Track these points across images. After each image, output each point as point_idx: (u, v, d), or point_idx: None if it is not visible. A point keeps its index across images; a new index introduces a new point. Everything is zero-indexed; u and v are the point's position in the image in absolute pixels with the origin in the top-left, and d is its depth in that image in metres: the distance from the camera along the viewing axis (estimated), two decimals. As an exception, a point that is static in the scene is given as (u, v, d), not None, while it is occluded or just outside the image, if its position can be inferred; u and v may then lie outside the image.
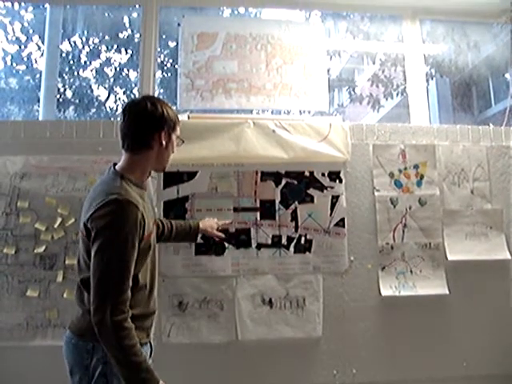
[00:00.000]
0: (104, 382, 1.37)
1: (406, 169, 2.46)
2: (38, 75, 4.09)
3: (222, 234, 2.11)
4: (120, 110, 4.98)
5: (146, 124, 1.48)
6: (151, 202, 2.20)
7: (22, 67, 4.29)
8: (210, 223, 2.08)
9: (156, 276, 1.60)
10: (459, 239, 2.44)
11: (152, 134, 1.48)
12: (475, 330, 2.36)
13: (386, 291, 2.33)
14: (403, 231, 2.41)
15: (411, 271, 2.38)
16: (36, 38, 4.16)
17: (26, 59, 4.25)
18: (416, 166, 2.47)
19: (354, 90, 5.41)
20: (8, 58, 4.21)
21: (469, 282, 2.38)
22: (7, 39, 4.16)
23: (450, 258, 2.39)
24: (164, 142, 1.50)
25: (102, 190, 1.40)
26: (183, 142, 1.66)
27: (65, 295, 2.15)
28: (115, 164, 1.51)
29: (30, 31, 4.14)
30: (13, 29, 4.10)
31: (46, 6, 2.98)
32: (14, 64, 4.22)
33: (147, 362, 1.37)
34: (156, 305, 1.61)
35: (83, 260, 1.44)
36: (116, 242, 1.33)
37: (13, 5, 3.81)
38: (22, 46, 4.21)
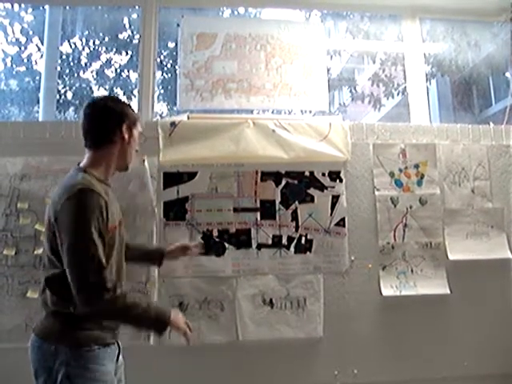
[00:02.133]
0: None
1: (406, 168, 2.46)
2: (37, 77, 4.08)
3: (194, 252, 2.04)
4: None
5: (107, 118, 1.52)
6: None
7: (22, 68, 4.28)
8: (178, 248, 1.99)
9: (123, 276, 1.59)
10: (460, 238, 2.44)
11: (113, 128, 1.52)
12: (476, 330, 2.35)
13: (386, 291, 2.33)
14: (404, 231, 2.41)
15: (412, 271, 2.38)
16: (36, 39, 4.15)
17: (25, 60, 4.24)
18: (416, 166, 2.47)
19: (354, 89, 5.40)
20: (8, 60, 4.20)
21: (470, 282, 2.38)
22: (7, 41, 4.16)
23: (451, 257, 2.39)
24: (126, 136, 1.54)
25: (66, 185, 1.42)
26: (146, 138, 1.72)
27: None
28: (79, 163, 1.54)
29: (30, 32, 4.12)
30: (13, 30, 4.09)
31: (46, 7, 2.98)
32: (14, 65, 4.22)
33: (146, 305, 1.46)
34: None
35: (47, 258, 1.47)
36: (82, 228, 1.35)
37: (12, 6, 3.81)
38: (22, 48, 4.20)
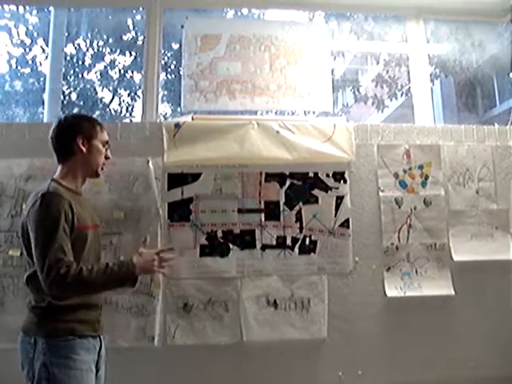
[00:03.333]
0: (45, 372, 1.50)
1: (410, 169, 2.45)
2: (42, 78, 4.11)
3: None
4: (124, 112, 5.02)
5: (63, 135, 1.73)
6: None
7: (27, 70, 4.31)
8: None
9: None
10: (465, 240, 2.43)
11: (70, 142, 1.70)
12: (481, 331, 2.34)
13: (391, 292, 2.32)
14: (408, 232, 2.40)
15: (416, 272, 2.37)
16: (40, 40, 4.18)
17: (30, 62, 4.27)
18: (421, 167, 2.46)
19: (358, 91, 5.40)
20: (13, 61, 4.24)
21: (474, 283, 2.36)
22: (12, 42, 4.19)
23: (456, 258, 2.38)
24: (84, 148, 1.71)
25: (36, 193, 1.60)
26: (109, 145, 1.84)
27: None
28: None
29: (35, 34, 4.16)
30: (18, 32, 4.13)
31: (51, 8, 3.00)
32: (19, 67, 4.25)
33: (110, 266, 1.58)
34: (100, 299, 1.75)
35: (26, 260, 1.63)
36: (45, 225, 1.52)
37: (18, 8, 3.84)
38: (27, 49, 4.23)
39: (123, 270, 1.60)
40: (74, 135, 1.71)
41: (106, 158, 1.82)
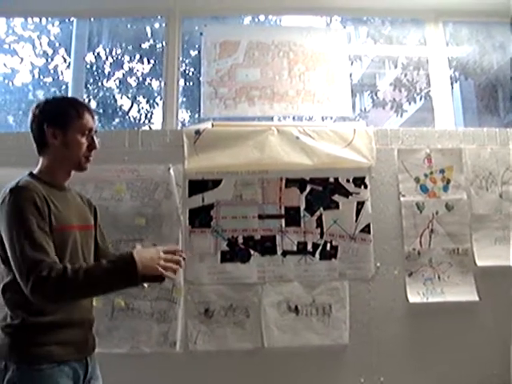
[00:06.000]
0: None
1: (431, 173, 2.43)
2: (63, 87, 4.18)
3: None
4: (143, 119, 5.07)
5: (35, 124, 1.45)
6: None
7: (49, 79, 4.40)
8: None
9: None
10: (488, 244, 2.39)
11: (41, 133, 1.43)
12: (506, 338, 2.29)
13: (413, 298, 2.30)
14: (430, 237, 2.37)
15: (439, 277, 2.34)
16: (62, 50, 4.27)
17: (52, 71, 4.36)
18: (442, 171, 2.44)
19: (376, 95, 5.36)
20: (36, 71, 4.34)
21: (499, 288, 2.32)
22: (35, 53, 4.29)
23: (479, 263, 2.34)
24: (56, 141, 1.43)
25: (3, 190, 1.36)
26: (95, 132, 1.52)
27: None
28: None
29: (57, 44, 4.25)
30: (40, 43, 4.23)
31: (72, 19, 3.07)
32: (42, 76, 4.35)
33: (103, 262, 1.31)
34: (87, 315, 1.48)
35: (1, 268, 1.38)
36: (18, 223, 1.28)
37: (40, 20, 3.95)
38: (49, 59, 4.33)
39: (119, 266, 1.29)
40: (43, 125, 1.43)
41: (91, 148, 1.49)
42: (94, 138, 1.50)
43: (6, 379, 1.26)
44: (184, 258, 1.43)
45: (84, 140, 1.47)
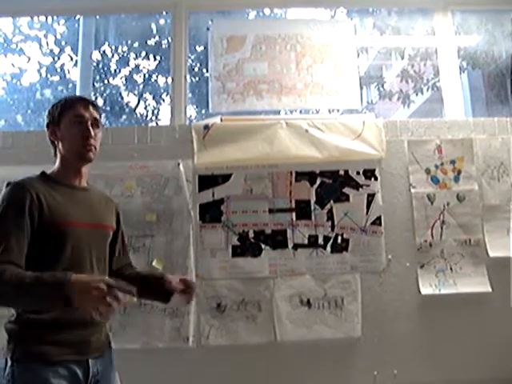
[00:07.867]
0: None
1: (442, 164, 2.41)
2: (70, 85, 4.20)
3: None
4: (150, 115, 5.08)
5: (47, 131, 1.47)
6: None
7: (56, 78, 4.42)
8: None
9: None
10: (500, 235, 2.37)
11: (48, 133, 1.46)
12: (520, 329, 2.29)
13: (425, 289, 2.29)
14: (441, 228, 2.36)
15: (451, 269, 2.33)
16: (68, 49, 4.28)
17: (59, 70, 4.38)
18: (453, 161, 2.42)
19: (383, 87, 5.31)
20: (43, 70, 4.36)
21: (512, 279, 2.31)
22: (42, 52, 4.31)
23: (492, 254, 2.33)
24: (56, 138, 1.45)
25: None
26: (85, 119, 1.45)
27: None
28: None
29: (63, 43, 4.26)
30: (47, 42, 4.25)
31: (78, 17, 3.07)
32: (49, 75, 4.36)
33: (45, 273, 1.18)
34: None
35: None
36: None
37: (46, 19, 3.95)
38: (56, 58, 4.35)
39: (51, 281, 1.14)
40: (47, 125, 1.47)
41: (85, 136, 1.42)
42: (89, 125, 1.44)
43: (4, 374, 1.24)
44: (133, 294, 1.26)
45: (76, 130, 1.42)
